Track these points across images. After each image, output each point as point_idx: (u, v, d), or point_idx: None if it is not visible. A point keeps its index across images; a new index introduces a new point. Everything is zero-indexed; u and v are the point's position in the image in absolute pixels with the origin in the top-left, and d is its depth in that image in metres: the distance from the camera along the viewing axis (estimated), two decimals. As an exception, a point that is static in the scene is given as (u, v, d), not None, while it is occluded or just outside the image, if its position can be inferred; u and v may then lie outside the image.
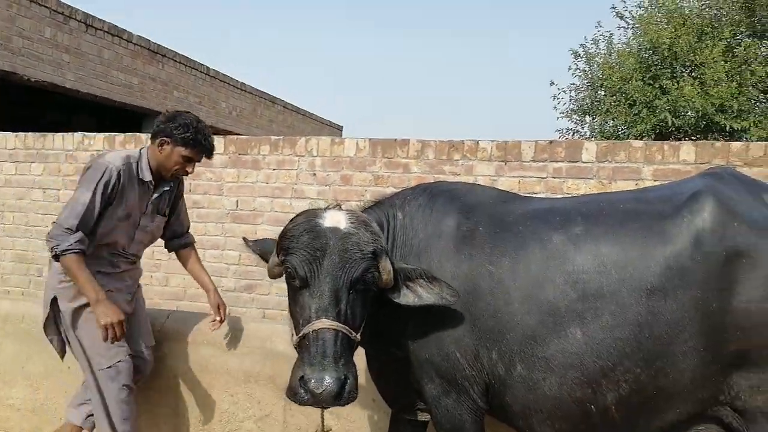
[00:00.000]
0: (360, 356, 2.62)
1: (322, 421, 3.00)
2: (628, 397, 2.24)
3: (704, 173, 2.55)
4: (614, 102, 11.05)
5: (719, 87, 9.75)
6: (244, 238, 2.90)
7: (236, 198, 6.07)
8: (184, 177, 3.37)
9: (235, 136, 6.23)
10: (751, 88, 10.30)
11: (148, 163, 3.17)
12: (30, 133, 6.78)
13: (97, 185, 3.00)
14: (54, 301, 3.16)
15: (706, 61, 10.08)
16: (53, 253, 3.00)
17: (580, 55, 12.39)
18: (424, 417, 2.80)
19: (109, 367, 3.10)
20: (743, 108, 9.85)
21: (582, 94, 12.41)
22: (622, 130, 11.04)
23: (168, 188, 3.30)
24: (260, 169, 5.95)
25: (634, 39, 11.90)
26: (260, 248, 2.70)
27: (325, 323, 2.21)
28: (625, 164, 5.13)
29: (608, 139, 10.94)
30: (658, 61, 10.99)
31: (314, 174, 5.75)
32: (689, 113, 10.11)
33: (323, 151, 5.77)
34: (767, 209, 2.27)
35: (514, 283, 2.36)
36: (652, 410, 2.27)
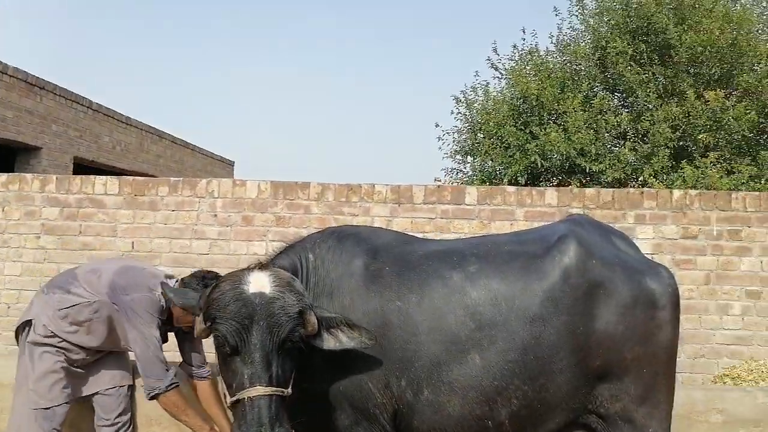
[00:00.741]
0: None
1: None
2: (518, 411, 2.58)
3: (565, 219, 3.04)
4: (491, 145, 11.83)
5: (579, 134, 10.76)
6: (163, 284, 3.00)
7: (131, 239, 5.98)
8: None
9: (131, 177, 6.15)
10: (606, 135, 11.54)
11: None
12: None
13: (155, 321, 3.15)
14: (28, 323, 3.23)
15: (568, 110, 11.09)
16: (155, 393, 3.10)
17: (461, 100, 13.28)
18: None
19: (47, 408, 3.14)
20: (600, 152, 10.94)
21: (464, 137, 13.22)
22: (499, 170, 11.85)
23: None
24: (158, 210, 5.92)
25: (507, 89, 12.94)
26: (182, 302, 2.76)
27: (259, 390, 2.30)
28: (502, 207, 5.81)
29: (487, 178, 11.80)
30: (528, 109, 11.95)
31: (215, 215, 5.83)
32: (555, 156, 11.03)
33: (224, 192, 5.88)
34: (615, 249, 2.79)
35: (421, 317, 2.64)
36: (537, 421, 2.62)
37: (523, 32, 13.37)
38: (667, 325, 2.64)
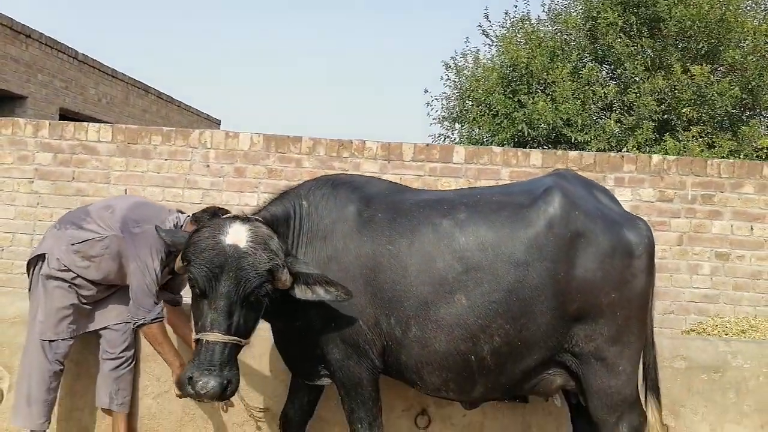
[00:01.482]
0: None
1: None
2: (500, 348, 2.78)
3: (552, 174, 3.21)
4: (479, 112, 11.92)
5: (567, 104, 10.92)
6: (156, 227, 3.13)
7: (124, 187, 6.05)
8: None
9: (124, 126, 6.20)
10: (592, 106, 11.70)
11: None
12: None
13: (159, 255, 3.21)
14: (41, 257, 3.31)
15: (556, 80, 11.21)
16: (140, 324, 3.20)
17: (450, 66, 13.31)
18: (323, 381, 3.20)
19: (52, 340, 3.27)
20: (586, 123, 11.13)
21: (452, 103, 13.29)
22: (486, 138, 11.97)
23: None
24: (151, 159, 5.99)
25: (497, 56, 13.00)
26: (171, 239, 2.98)
27: (216, 336, 2.52)
28: (488, 166, 5.98)
29: (474, 145, 11.93)
30: (517, 77, 12.01)
31: (208, 166, 5.92)
32: (542, 125, 11.18)
33: (217, 143, 5.95)
34: (597, 202, 2.97)
35: (411, 260, 2.82)
36: (517, 357, 2.83)
37: (516, -1, 13.36)
38: (641, 273, 2.83)
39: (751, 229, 5.99)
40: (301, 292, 2.73)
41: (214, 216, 3.19)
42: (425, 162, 5.98)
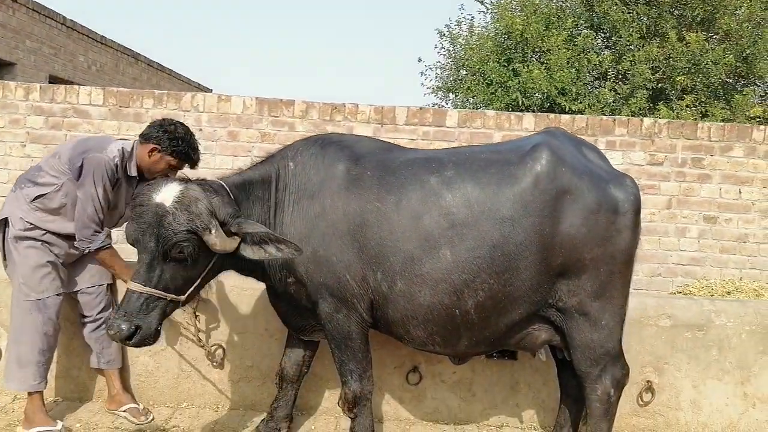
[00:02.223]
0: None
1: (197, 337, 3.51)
2: (484, 302, 2.83)
3: (542, 132, 3.21)
4: (474, 81, 11.82)
5: (561, 72, 10.83)
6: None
7: (116, 151, 6.03)
8: None
9: (115, 89, 6.15)
10: (587, 75, 11.62)
11: (136, 161, 3.32)
12: None
13: (103, 181, 3.17)
14: (5, 222, 3.27)
15: (551, 48, 11.11)
16: (86, 252, 3.22)
17: (444, 34, 13.15)
18: (317, 337, 3.28)
19: (38, 299, 3.25)
20: (580, 92, 11.04)
21: (446, 73, 13.17)
22: (480, 107, 11.90)
23: None
24: (143, 122, 5.94)
25: (492, 24, 12.84)
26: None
27: (135, 286, 2.67)
28: (481, 130, 5.98)
29: (468, 113, 11.86)
30: (512, 45, 11.88)
31: (200, 129, 5.89)
32: (536, 94, 11.10)
33: (210, 107, 5.93)
34: (585, 159, 2.99)
35: (398, 216, 2.85)
36: (501, 312, 2.88)
37: (512, -35, 13.16)
38: (626, 230, 2.87)
39: (740, 192, 6.04)
40: (253, 252, 2.79)
41: (159, 128, 3.27)
42: (418, 126, 5.98)
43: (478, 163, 2.94)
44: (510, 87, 11.24)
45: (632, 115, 10.52)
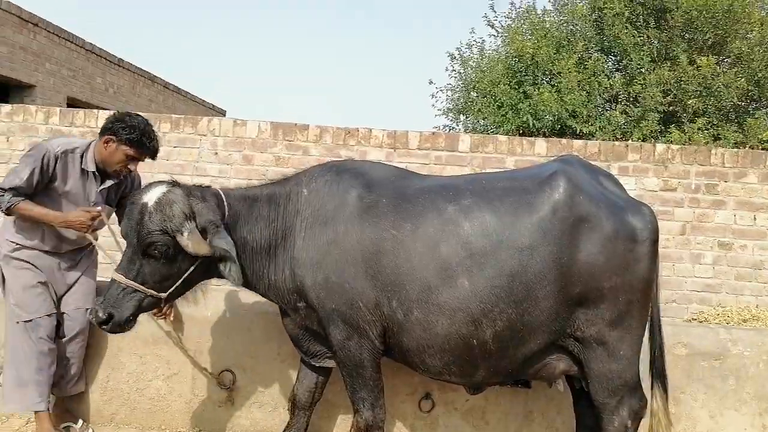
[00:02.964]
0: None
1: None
2: (502, 332, 2.82)
3: (557, 159, 3.22)
4: (485, 103, 11.89)
5: (572, 95, 10.87)
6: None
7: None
8: (139, 174, 3.55)
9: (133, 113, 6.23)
10: (598, 97, 11.66)
11: (94, 156, 3.33)
12: None
13: (35, 164, 3.19)
14: None
15: (562, 71, 11.16)
16: (3, 210, 3.22)
17: (455, 57, 13.29)
18: (329, 364, 3.27)
19: (29, 320, 3.28)
20: (591, 114, 11.07)
21: (457, 95, 13.29)
22: (491, 129, 11.94)
23: (115, 182, 3.43)
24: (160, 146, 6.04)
25: (502, 47, 12.97)
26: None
27: (116, 276, 2.86)
28: (493, 155, 6.01)
29: (479, 136, 11.91)
30: (523, 68, 11.96)
31: (216, 153, 5.97)
32: (547, 117, 11.13)
33: (225, 131, 6.00)
34: (601, 187, 3.00)
35: (414, 244, 2.85)
36: (519, 342, 2.86)
37: (522, -10, 13.31)
38: (644, 258, 2.86)
39: (754, 218, 6.01)
40: (221, 266, 2.89)
41: (115, 120, 3.31)
42: (431, 150, 6.01)
43: (495, 192, 2.95)
44: (521, 109, 11.29)
45: (643, 138, 10.52)
